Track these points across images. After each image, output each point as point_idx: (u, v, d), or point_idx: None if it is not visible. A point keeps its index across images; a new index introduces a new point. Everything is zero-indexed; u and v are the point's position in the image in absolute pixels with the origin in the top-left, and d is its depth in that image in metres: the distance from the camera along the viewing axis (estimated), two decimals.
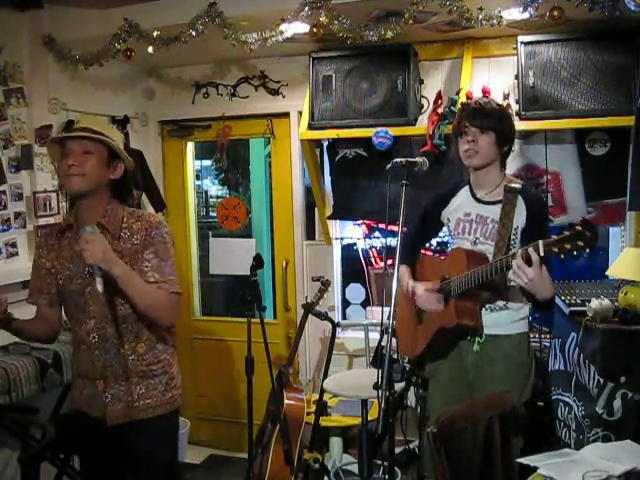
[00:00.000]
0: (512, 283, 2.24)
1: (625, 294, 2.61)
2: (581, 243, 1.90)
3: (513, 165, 3.39)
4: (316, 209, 3.97)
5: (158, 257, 2.18)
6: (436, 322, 2.47)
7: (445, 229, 2.68)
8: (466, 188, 2.56)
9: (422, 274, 2.64)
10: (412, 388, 2.65)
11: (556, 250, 1.95)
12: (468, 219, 2.50)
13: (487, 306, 2.45)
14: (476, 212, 2.49)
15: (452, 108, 3.25)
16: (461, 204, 2.55)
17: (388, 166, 2.27)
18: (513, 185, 2.43)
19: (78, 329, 2.24)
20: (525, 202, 2.41)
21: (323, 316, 3.51)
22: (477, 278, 2.28)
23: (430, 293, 2.48)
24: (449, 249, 2.63)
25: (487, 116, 2.39)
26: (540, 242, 2.01)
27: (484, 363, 2.44)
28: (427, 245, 3.45)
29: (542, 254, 2.00)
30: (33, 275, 2.31)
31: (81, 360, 2.27)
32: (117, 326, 2.19)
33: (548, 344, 3.13)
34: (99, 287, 2.02)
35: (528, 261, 2.05)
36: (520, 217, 2.40)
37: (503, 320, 2.44)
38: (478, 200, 2.50)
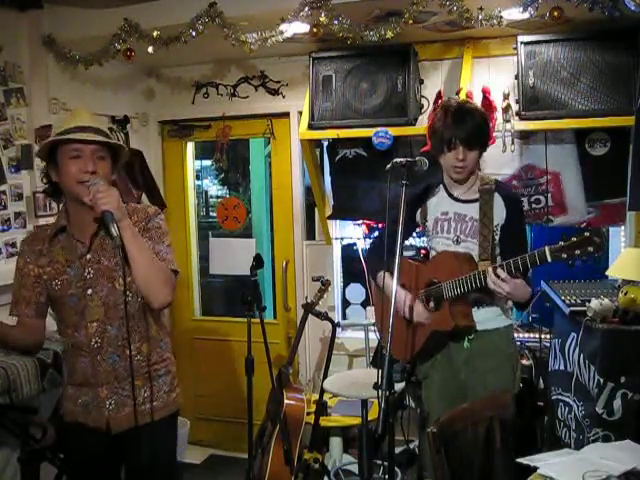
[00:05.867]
0: None
1: (625, 294, 2.61)
2: (591, 249, 1.97)
3: (513, 165, 3.40)
4: (316, 209, 3.97)
5: (152, 241, 2.12)
6: (430, 326, 2.48)
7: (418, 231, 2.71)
8: (441, 187, 2.57)
9: (402, 278, 2.55)
10: (412, 388, 2.65)
11: (565, 256, 2.01)
12: (446, 218, 2.52)
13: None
14: (454, 211, 2.50)
15: None
16: (438, 203, 2.56)
17: (388, 166, 2.27)
18: (488, 186, 2.46)
19: (77, 335, 2.11)
20: (503, 199, 2.45)
21: (323, 316, 3.51)
22: (473, 282, 2.30)
23: (422, 307, 2.51)
24: (431, 251, 2.63)
25: (475, 134, 2.39)
26: (547, 248, 2.05)
27: (475, 358, 2.46)
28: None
29: (549, 260, 2.05)
30: (17, 284, 2.14)
31: (79, 367, 2.14)
32: (121, 327, 2.09)
33: (548, 344, 3.13)
34: (114, 232, 1.93)
35: (510, 274, 2.19)
36: (499, 214, 2.44)
37: (491, 315, 2.47)
38: (455, 199, 2.52)
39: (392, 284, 2.15)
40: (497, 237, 2.44)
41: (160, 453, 2.21)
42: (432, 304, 2.48)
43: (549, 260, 2.05)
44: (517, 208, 2.50)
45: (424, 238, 2.76)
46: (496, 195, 2.44)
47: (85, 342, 2.11)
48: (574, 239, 1.98)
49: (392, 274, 2.21)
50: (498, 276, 2.21)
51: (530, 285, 2.37)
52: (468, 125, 2.37)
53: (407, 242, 3.33)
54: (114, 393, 2.13)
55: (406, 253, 2.83)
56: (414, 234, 3.18)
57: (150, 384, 2.17)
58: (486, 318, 2.46)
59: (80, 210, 2.07)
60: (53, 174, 2.06)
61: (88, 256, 2.10)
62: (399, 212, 2.25)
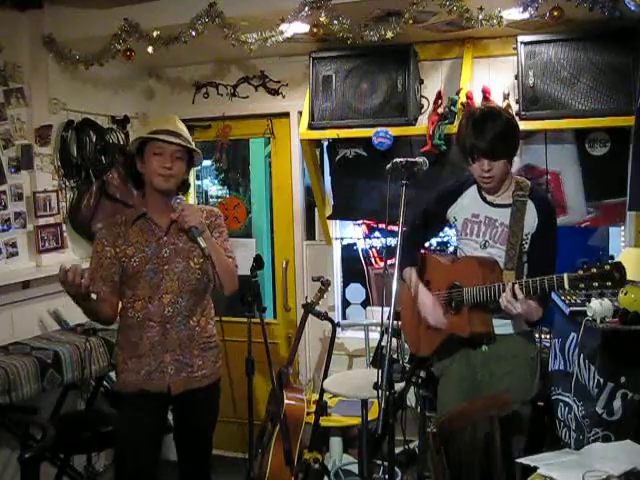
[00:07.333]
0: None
1: (625, 294, 2.61)
2: (609, 283, 1.93)
3: (513, 165, 3.38)
4: (316, 209, 3.96)
5: (222, 237, 2.55)
6: (448, 328, 2.46)
7: (447, 229, 2.67)
8: (474, 188, 2.48)
9: (429, 274, 2.59)
10: (412, 388, 2.64)
11: (582, 286, 1.98)
12: (476, 220, 2.45)
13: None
14: (485, 214, 2.44)
15: (452, 108, 3.25)
16: (469, 204, 2.48)
17: (388, 166, 2.27)
18: (522, 192, 2.38)
19: (150, 306, 2.42)
20: (536, 206, 2.37)
21: (323, 316, 3.51)
22: (493, 294, 2.27)
23: (437, 306, 2.46)
24: (453, 250, 2.62)
25: (497, 145, 2.28)
26: (565, 276, 2.02)
27: (492, 362, 2.43)
28: (427, 244, 3.43)
29: (567, 288, 2.03)
30: (95, 265, 2.45)
31: (145, 338, 2.43)
32: (189, 300, 2.46)
33: (548, 344, 3.13)
34: (202, 244, 2.34)
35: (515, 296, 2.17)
36: (531, 222, 2.37)
37: (509, 320, 2.43)
38: (487, 202, 2.45)
39: (410, 277, 2.23)
40: (526, 246, 2.38)
41: (207, 412, 2.60)
42: (453, 306, 2.46)
43: (567, 288, 2.02)
44: (550, 218, 2.41)
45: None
46: (530, 203, 2.36)
47: (158, 312, 2.43)
48: (594, 270, 1.94)
49: (415, 269, 2.38)
50: (515, 295, 2.17)
51: (546, 303, 2.34)
52: (488, 136, 2.26)
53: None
54: (175, 360, 2.45)
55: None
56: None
57: (203, 354, 2.52)
58: (504, 323, 2.42)
59: (159, 199, 2.45)
60: (139, 164, 2.43)
61: (165, 238, 2.45)
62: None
